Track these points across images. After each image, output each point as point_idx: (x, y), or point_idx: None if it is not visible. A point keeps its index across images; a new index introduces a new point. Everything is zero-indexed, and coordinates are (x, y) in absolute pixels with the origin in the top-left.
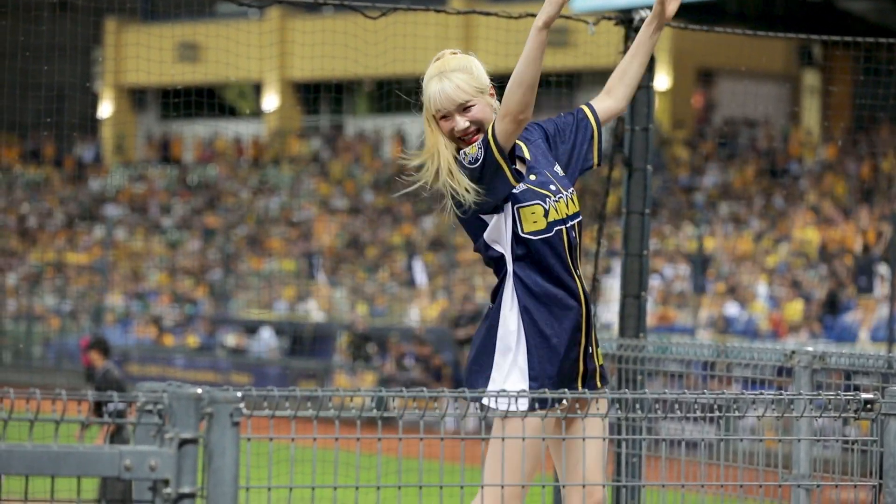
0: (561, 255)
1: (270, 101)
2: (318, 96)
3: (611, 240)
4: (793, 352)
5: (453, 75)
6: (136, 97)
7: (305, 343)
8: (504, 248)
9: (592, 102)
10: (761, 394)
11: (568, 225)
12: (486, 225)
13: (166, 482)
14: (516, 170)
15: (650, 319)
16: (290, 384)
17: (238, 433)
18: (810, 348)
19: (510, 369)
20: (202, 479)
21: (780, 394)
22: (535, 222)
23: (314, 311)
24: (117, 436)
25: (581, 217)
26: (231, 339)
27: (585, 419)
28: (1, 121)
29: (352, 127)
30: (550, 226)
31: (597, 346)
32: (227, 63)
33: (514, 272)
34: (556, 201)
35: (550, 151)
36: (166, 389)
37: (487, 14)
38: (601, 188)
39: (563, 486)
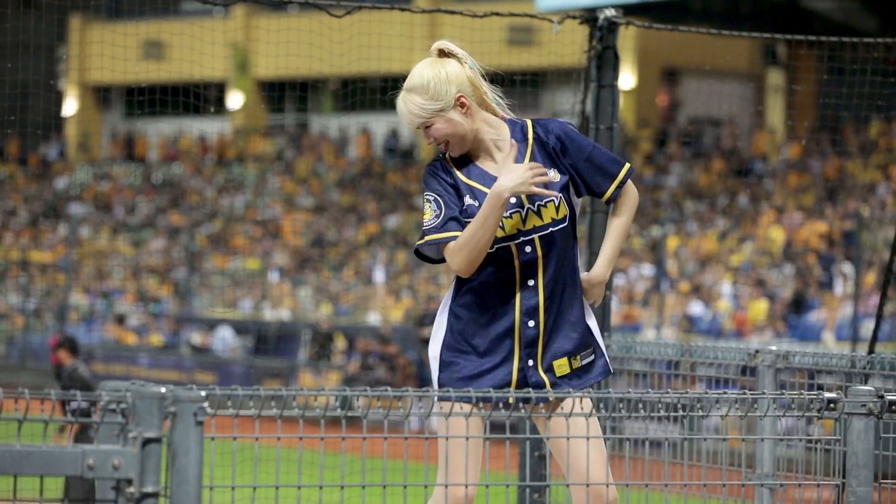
0: (503, 272)
1: (235, 99)
2: (283, 94)
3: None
4: (757, 351)
5: (409, 98)
6: (100, 95)
7: (269, 342)
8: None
9: (618, 197)
10: (725, 393)
11: (518, 241)
12: None
13: (129, 481)
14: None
15: (614, 318)
16: (254, 383)
17: (202, 432)
18: (774, 347)
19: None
20: (166, 479)
21: (744, 393)
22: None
23: (270, 312)
24: (82, 435)
25: (555, 229)
26: (195, 337)
27: (570, 420)
28: None
29: (317, 125)
30: (492, 244)
31: (571, 347)
32: (192, 61)
33: (459, 285)
34: (508, 216)
35: (556, 158)
36: (130, 388)
37: (452, 13)
38: None
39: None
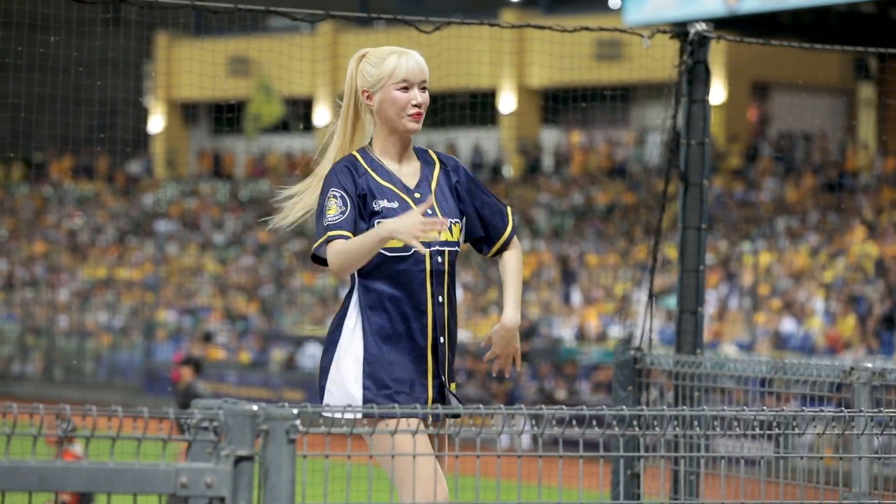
0: (415, 277)
1: (322, 115)
2: None
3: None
4: (852, 368)
5: (416, 54)
6: (187, 112)
7: None
8: None
9: (506, 239)
10: (821, 411)
11: (433, 249)
12: None
13: (222, 500)
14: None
15: (705, 335)
16: None
17: (294, 450)
18: (869, 364)
19: (345, 373)
20: (258, 497)
21: (841, 411)
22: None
23: None
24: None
25: (456, 249)
26: (282, 354)
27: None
28: (53, 136)
29: None
30: (408, 246)
31: (452, 379)
32: (279, 77)
33: (360, 282)
34: (452, 224)
35: (444, 183)
36: (222, 406)
37: (541, 28)
38: (656, 203)
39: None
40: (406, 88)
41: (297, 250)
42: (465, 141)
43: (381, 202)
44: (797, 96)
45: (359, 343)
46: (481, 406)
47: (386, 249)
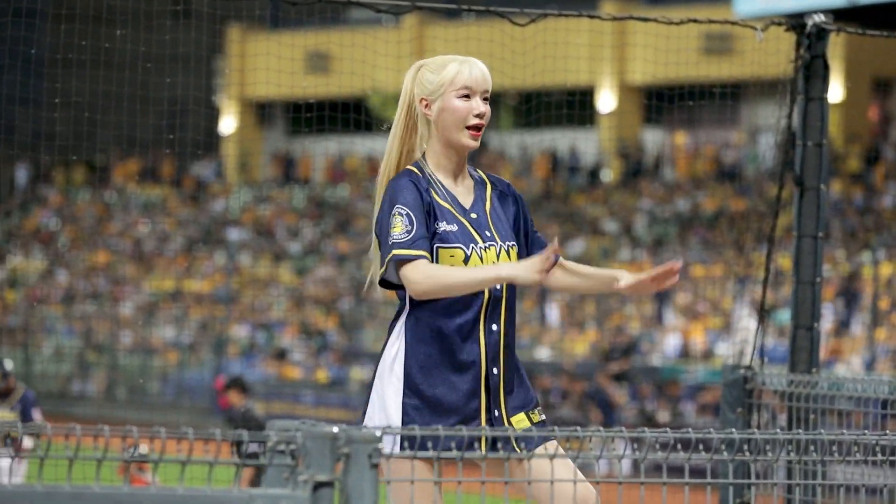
0: (471, 304)
1: None
2: None
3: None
4: None
5: (479, 63)
6: (261, 111)
7: None
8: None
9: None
10: None
11: None
12: None
13: None
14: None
15: (821, 353)
16: None
17: (377, 475)
18: None
19: (386, 402)
20: None
21: None
22: (451, 266)
23: None
24: (257, 480)
25: None
26: (363, 373)
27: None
28: (118, 137)
29: (496, 142)
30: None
31: (526, 401)
32: (362, 74)
33: (411, 311)
34: (485, 248)
35: (499, 207)
36: (300, 428)
37: (645, 20)
38: (768, 209)
39: None
40: (467, 97)
41: None
42: (562, 142)
43: (441, 224)
44: None
45: (399, 372)
46: (578, 428)
47: None
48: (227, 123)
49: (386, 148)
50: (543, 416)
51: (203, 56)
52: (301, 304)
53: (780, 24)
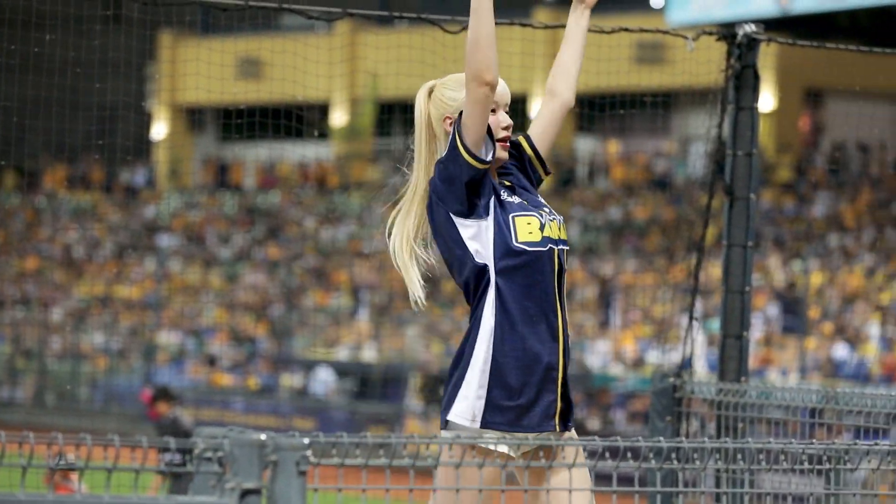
0: (549, 276)
1: (339, 121)
2: (391, 117)
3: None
4: None
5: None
6: (192, 117)
7: (374, 385)
8: (487, 258)
9: (532, 124)
10: (876, 444)
11: (559, 248)
12: (459, 235)
13: None
14: (479, 160)
15: (751, 362)
16: (357, 430)
17: (305, 483)
18: None
19: (472, 394)
20: None
21: None
22: (530, 233)
23: (374, 352)
24: (175, 486)
25: (568, 249)
26: (293, 380)
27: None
28: (47, 143)
29: None
30: (545, 240)
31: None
32: (294, 81)
33: (497, 285)
34: (551, 220)
35: (526, 177)
36: (227, 435)
37: None
38: (699, 218)
39: None
40: (493, 111)
41: (310, 267)
42: None
43: (505, 196)
44: (853, 104)
45: (488, 353)
46: (506, 436)
47: (523, 243)
48: (158, 129)
49: (412, 176)
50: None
51: (134, 62)
52: (231, 310)
53: (711, 33)
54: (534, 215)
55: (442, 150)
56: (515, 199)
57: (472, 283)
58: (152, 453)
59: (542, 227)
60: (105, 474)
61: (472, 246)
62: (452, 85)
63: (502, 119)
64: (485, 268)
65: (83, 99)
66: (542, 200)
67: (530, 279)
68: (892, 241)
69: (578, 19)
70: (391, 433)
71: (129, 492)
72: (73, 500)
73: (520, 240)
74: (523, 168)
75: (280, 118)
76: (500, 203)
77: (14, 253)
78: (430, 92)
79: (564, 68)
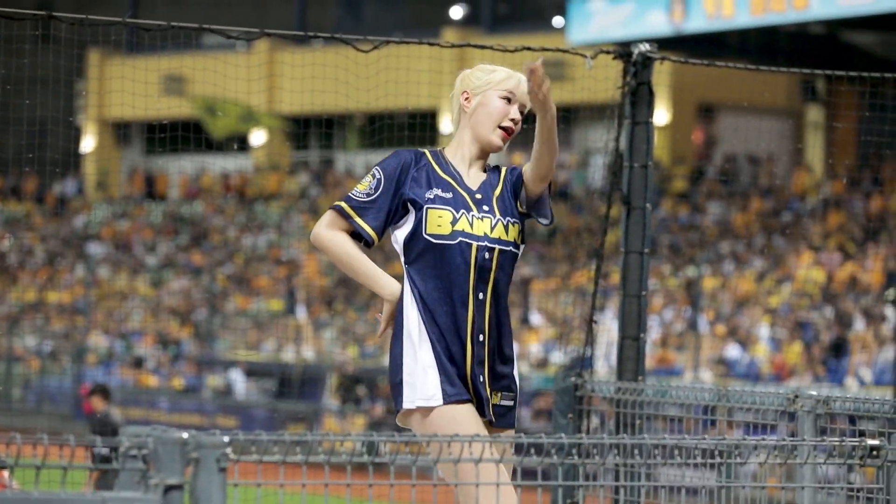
0: (457, 268)
1: (258, 135)
2: (307, 131)
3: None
4: (796, 396)
5: (525, 80)
6: (119, 131)
7: (293, 385)
8: (399, 243)
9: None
10: (764, 439)
11: (481, 244)
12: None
13: None
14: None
15: (648, 362)
16: (278, 428)
17: (225, 479)
18: (814, 392)
19: (421, 366)
20: None
21: (784, 440)
22: (439, 226)
23: (294, 354)
24: (102, 481)
25: (511, 250)
26: (216, 380)
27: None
28: None
29: (342, 162)
30: (455, 234)
31: (500, 383)
32: (213, 96)
33: (408, 272)
34: (479, 217)
35: (507, 185)
36: (151, 433)
37: (482, 47)
38: (598, 226)
39: None
40: (508, 101)
41: (232, 273)
42: None
43: (435, 190)
44: (743, 118)
45: (420, 335)
46: (417, 434)
47: (430, 235)
48: (87, 143)
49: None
50: (507, 403)
51: (63, 79)
52: (157, 314)
53: (608, 52)
54: (447, 210)
55: (454, 117)
56: (447, 195)
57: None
58: (80, 451)
59: (453, 222)
60: (35, 471)
61: (394, 230)
62: (486, 68)
63: (512, 112)
64: (401, 255)
65: (15, 114)
66: (490, 196)
67: (436, 270)
68: (780, 248)
69: (541, 120)
70: (308, 431)
71: (59, 488)
72: (4, 496)
73: (427, 231)
74: (513, 182)
75: (202, 132)
76: (427, 199)
77: None
78: (465, 73)
79: (535, 163)
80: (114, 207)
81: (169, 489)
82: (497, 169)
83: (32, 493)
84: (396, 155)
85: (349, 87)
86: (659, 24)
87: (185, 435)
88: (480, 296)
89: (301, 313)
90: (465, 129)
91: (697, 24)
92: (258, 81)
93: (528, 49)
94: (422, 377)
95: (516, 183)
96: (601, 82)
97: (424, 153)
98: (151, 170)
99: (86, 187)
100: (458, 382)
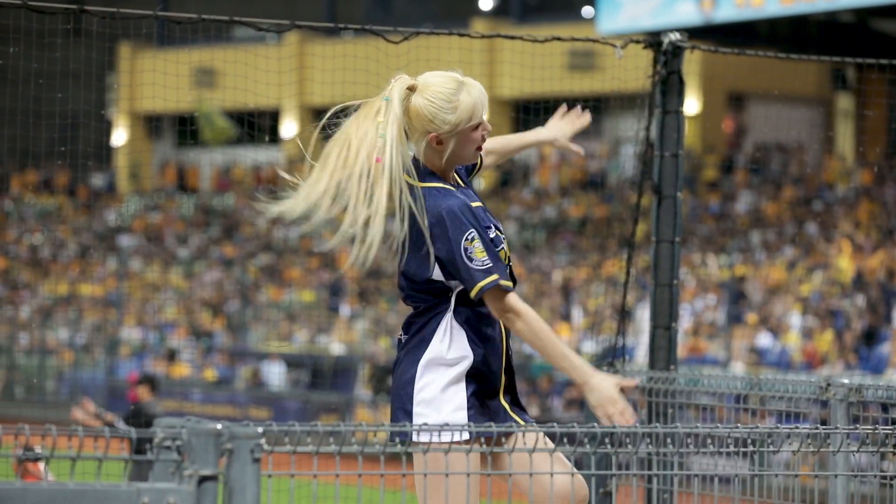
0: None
1: (289, 127)
2: (338, 122)
3: (638, 269)
4: (828, 384)
5: (478, 85)
6: (151, 124)
7: (326, 376)
8: (453, 282)
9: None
10: (796, 427)
11: (510, 265)
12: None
13: None
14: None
15: (680, 351)
16: (310, 419)
17: (259, 470)
18: (846, 380)
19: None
20: None
21: (816, 428)
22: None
23: (334, 345)
24: (135, 472)
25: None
26: (248, 371)
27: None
28: (13, 149)
29: None
30: (508, 261)
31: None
32: (245, 89)
33: (456, 306)
34: (503, 238)
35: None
36: (185, 425)
37: (512, 38)
38: (629, 216)
39: None
40: (479, 125)
41: (264, 265)
42: None
43: (493, 233)
44: (774, 107)
45: (458, 363)
46: (448, 424)
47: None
48: (119, 136)
49: (354, 178)
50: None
51: (95, 73)
52: (190, 306)
53: (638, 42)
54: (502, 247)
55: (421, 151)
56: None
57: (422, 297)
58: (115, 443)
59: (507, 256)
60: (69, 463)
61: (445, 270)
62: (441, 107)
63: (484, 129)
64: (447, 290)
65: (46, 108)
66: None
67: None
68: (811, 236)
69: (538, 145)
70: (341, 422)
71: (93, 479)
72: (40, 487)
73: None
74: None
75: (233, 124)
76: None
77: None
78: (412, 89)
79: (501, 153)
80: (146, 200)
81: (203, 480)
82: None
83: (68, 484)
84: (469, 208)
85: (379, 78)
86: (689, 13)
87: (218, 426)
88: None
89: (333, 306)
90: (435, 158)
91: (727, 12)
92: (288, 73)
93: (559, 39)
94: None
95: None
96: (631, 72)
97: (447, 187)
98: (183, 162)
99: (117, 180)
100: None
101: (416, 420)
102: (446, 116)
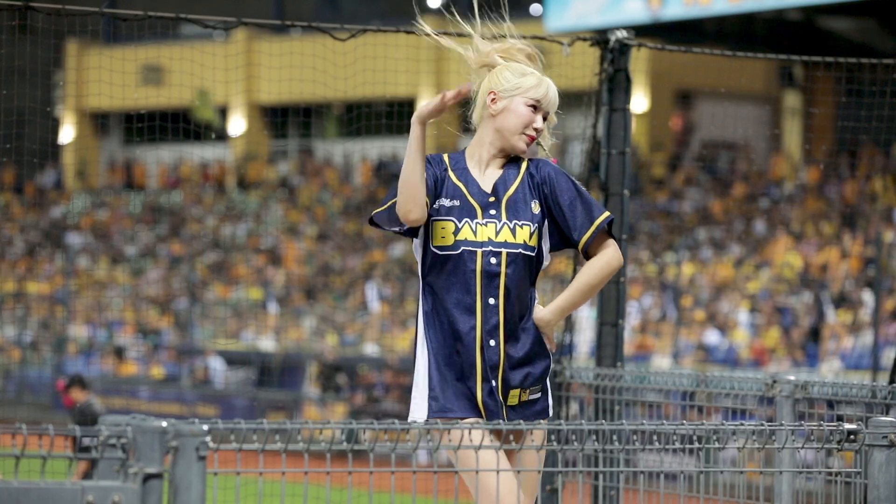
0: (465, 277)
1: (237, 124)
2: (285, 120)
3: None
4: (774, 381)
5: (554, 86)
6: (98, 122)
7: (273, 374)
8: (418, 257)
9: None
10: (742, 424)
11: (485, 249)
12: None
13: None
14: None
15: (627, 348)
16: (258, 416)
17: (204, 467)
18: (792, 377)
19: (418, 390)
20: None
21: (762, 424)
22: (442, 237)
23: (273, 343)
24: (88, 475)
25: (521, 252)
26: (195, 369)
27: (519, 452)
28: None
29: (321, 151)
30: (458, 244)
31: (513, 387)
32: (193, 86)
33: (425, 285)
34: (483, 224)
35: (525, 185)
36: (130, 423)
37: (460, 35)
38: None
39: None
40: (534, 108)
41: (211, 262)
42: (383, 150)
43: (442, 200)
44: (721, 105)
45: (423, 349)
46: (396, 421)
47: (436, 248)
48: (66, 133)
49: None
50: (534, 396)
51: (41, 70)
52: (137, 304)
53: (585, 39)
54: (450, 220)
55: (476, 113)
56: (455, 203)
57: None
58: (59, 440)
59: (455, 232)
60: (14, 461)
61: (416, 244)
62: (516, 69)
63: (537, 122)
64: (420, 268)
65: None
66: (502, 198)
67: (446, 280)
68: (758, 234)
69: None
70: (288, 419)
71: (38, 477)
72: None
73: (434, 244)
74: (536, 188)
75: (180, 122)
76: (432, 208)
77: None
78: (495, 69)
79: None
80: (93, 197)
81: (148, 478)
82: (517, 162)
83: (12, 482)
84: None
85: (327, 75)
86: (636, 11)
87: (164, 424)
88: (491, 301)
89: (272, 307)
90: (486, 129)
91: (675, 10)
92: (236, 71)
93: (505, 37)
94: (417, 391)
95: (540, 188)
96: (578, 69)
97: (443, 158)
98: (130, 160)
99: (65, 178)
100: (452, 396)
101: (412, 403)
102: (512, 77)
